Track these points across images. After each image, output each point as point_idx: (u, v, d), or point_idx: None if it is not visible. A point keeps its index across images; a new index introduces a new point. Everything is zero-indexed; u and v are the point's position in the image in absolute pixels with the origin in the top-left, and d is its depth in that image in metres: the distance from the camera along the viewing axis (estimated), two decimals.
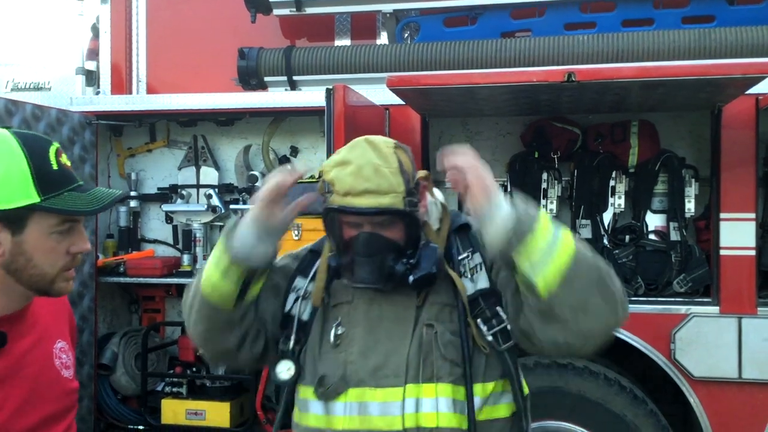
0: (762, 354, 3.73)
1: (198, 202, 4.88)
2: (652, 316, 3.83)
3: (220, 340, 1.89)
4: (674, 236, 4.08)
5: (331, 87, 3.57)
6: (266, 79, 4.53)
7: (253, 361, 1.97)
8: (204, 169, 4.90)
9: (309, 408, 1.86)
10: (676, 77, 3.14)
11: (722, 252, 3.83)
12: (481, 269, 1.89)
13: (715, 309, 3.80)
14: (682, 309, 3.82)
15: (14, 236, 1.52)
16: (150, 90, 5.05)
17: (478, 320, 1.84)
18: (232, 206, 4.77)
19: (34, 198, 1.50)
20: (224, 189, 4.89)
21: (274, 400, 4.60)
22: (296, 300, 1.94)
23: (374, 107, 4.11)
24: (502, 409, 1.87)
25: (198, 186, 4.89)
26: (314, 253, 2.01)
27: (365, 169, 1.78)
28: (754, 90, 3.55)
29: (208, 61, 4.94)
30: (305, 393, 1.87)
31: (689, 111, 4.09)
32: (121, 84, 5.05)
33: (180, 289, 5.02)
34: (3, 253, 1.52)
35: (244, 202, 4.68)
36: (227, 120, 4.87)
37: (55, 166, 1.55)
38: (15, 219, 1.50)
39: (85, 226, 1.66)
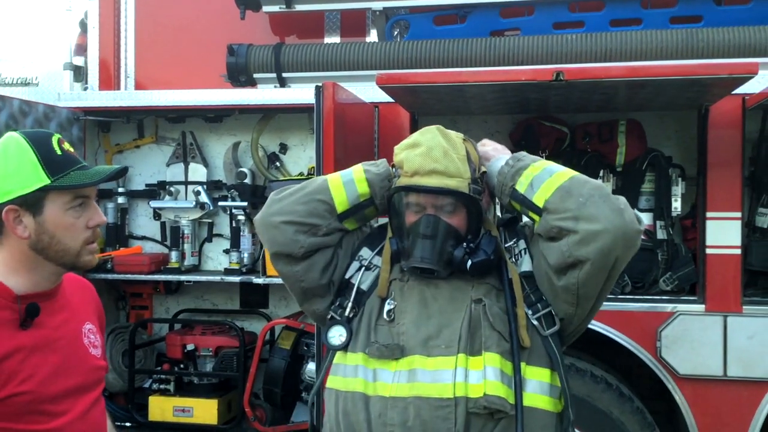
0: (747, 352, 3.76)
1: (186, 198, 4.86)
2: (639, 314, 3.86)
3: (300, 232, 1.95)
4: (661, 235, 4.10)
5: (320, 84, 3.57)
6: (255, 75, 4.52)
7: (302, 278, 2.01)
8: (192, 166, 4.88)
9: (357, 373, 1.89)
10: (663, 77, 3.16)
11: (708, 251, 3.87)
12: (525, 254, 1.98)
13: (701, 307, 3.83)
14: (668, 307, 3.85)
15: (36, 218, 1.74)
16: (138, 86, 5.03)
17: (524, 304, 1.90)
18: (220, 203, 4.75)
19: (45, 180, 1.73)
20: (213, 186, 4.88)
21: (261, 397, 4.60)
22: (359, 269, 2.03)
23: (364, 105, 4.12)
24: (549, 403, 1.88)
25: (186, 183, 4.88)
26: (383, 229, 2.11)
27: (435, 151, 1.90)
28: (740, 90, 3.57)
29: (197, 58, 4.92)
30: (354, 359, 1.92)
31: (676, 110, 4.11)
32: (109, 80, 5.03)
33: (168, 285, 5.02)
34: (29, 235, 1.74)
35: (233, 199, 4.66)
36: (216, 117, 4.85)
37: (59, 152, 1.78)
38: (33, 202, 1.73)
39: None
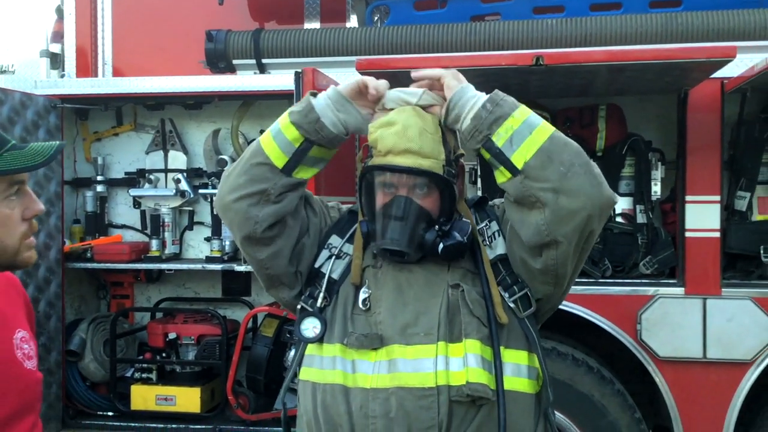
0: (726, 334, 3.80)
1: (166, 186, 4.83)
2: (619, 298, 3.88)
3: (252, 205, 1.83)
4: (641, 219, 4.12)
5: (299, 70, 3.55)
6: (235, 62, 4.49)
7: (267, 266, 1.91)
8: (172, 154, 4.85)
9: (336, 365, 1.83)
10: (643, 61, 3.17)
11: (687, 234, 3.89)
12: (498, 236, 1.93)
13: (681, 290, 3.86)
14: (649, 290, 3.87)
15: None
16: (116, 73, 4.99)
17: (500, 288, 1.86)
18: (201, 191, 4.73)
19: None
20: (193, 173, 4.85)
21: (244, 385, 4.59)
22: (329, 258, 1.95)
23: None
24: (527, 385, 1.86)
25: (166, 170, 4.85)
26: (353, 213, 2.03)
27: (410, 130, 1.81)
28: (719, 74, 3.59)
29: (175, 44, 4.89)
30: (331, 351, 1.85)
31: (656, 95, 4.12)
32: (87, 67, 4.98)
33: (149, 274, 4.99)
34: None
35: (214, 187, 4.64)
36: (195, 104, 4.82)
37: None
38: None
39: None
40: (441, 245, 1.83)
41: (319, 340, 1.87)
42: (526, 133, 1.71)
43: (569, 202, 1.69)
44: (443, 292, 1.84)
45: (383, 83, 1.90)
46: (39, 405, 1.66)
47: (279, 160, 1.84)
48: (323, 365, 1.86)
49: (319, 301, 1.90)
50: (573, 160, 1.70)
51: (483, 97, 1.77)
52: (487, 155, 1.78)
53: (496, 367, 1.78)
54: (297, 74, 3.56)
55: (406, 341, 1.80)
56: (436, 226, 1.85)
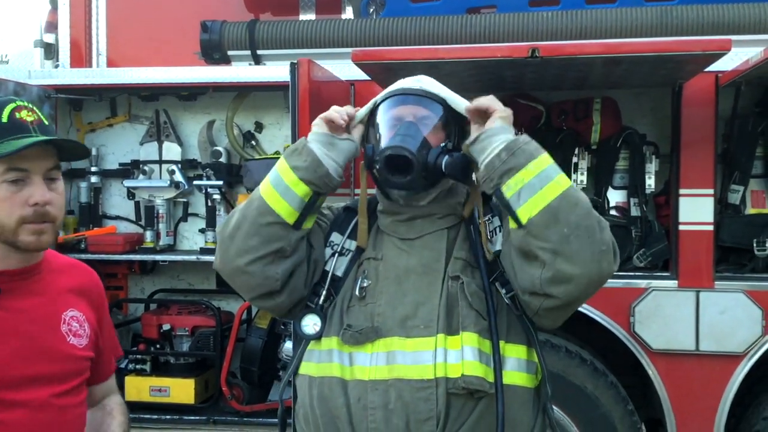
0: (718, 327, 3.83)
1: (160, 177, 4.81)
2: (613, 290, 3.88)
3: (268, 264, 1.82)
4: (635, 212, 4.13)
5: (295, 61, 3.54)
6: (230, 53, 4.47)
7: (291, 306, 1.90)
8: (166, 145, 4.83)
9: (332, 358, 1.83)
10: (638, 53, 3.17)
11: (681, 227, 3.91)
12: (499, 232, 1.90)
13: (674, 283, 3.88)
14: (642, 283, 3.89)
15: None
16: (110, 64, 4.96)
17: (497, 283, 1.85)
18: (195, 182, 4.72)
19: None
20: (187, 165, 4.84)
21: (238, 376, 4.60)
22: (332, 255, 1.95)
23: (339, 82, 4.09)
24: (526, 379, 1.86)
25: (160, 162, 4.84)
26: (349, 210, 2.02)
27: (425, 79, 1.92)
28: (713, 67, 3.60)
29: (169, 35, 4.86)
30: (327, 344, 1.85)
31: (651, 88, 4.13)
32: (81, 57, 4.95)
33: (143, 265, 4.98)
34: None
35: (208, 178, 4.63)
36: (190, 95, 4.80)
37: (4, 120, 1.61)
38: None
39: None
40: (446, 158, 1.82)
41: (318, 337, 1.87)
42: (537, 187, 1.68)
43: (567, 266, 1.68)
44: (442, 283, 1.83)
45: (347, 107, 1.95)
46: (81, 378, 1.80)
47: (291, 217, 1.82)
48: (320, 359, 1.87)
49: (322, 298, 1.90)
50: (579, 223, 1.67)
51: (505, 142, 1.73)
52: (497, 201, 1.78)
53: (495, 360, 1.76)
54: (293, 65, 3.55)
55: (405, 333, 1.79)
56: (442, 144, 1.85)
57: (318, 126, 1.91)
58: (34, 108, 1.68)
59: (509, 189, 1.70)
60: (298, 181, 1.81)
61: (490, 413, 1.77)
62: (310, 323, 1.87)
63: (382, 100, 1.93)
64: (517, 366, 1.83)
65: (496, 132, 1.76)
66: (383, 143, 1.86)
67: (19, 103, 1.66)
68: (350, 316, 1.85)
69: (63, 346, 1.73)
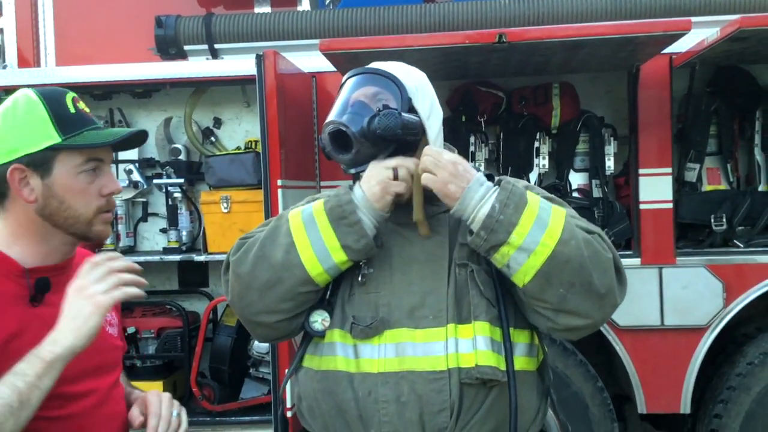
0: (682, 301, 3.94)
1: (117, 177, 4.70)
2: None
3: (294, 318, 1.81)
4: (596, 193, 4.23)
5: (261, 53, 3.50)
6: (186, 47, 4.41)
7: (299, 326, 1.85)
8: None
9: (336, 351, 1.79)
10: (604, 36, 3.25)
11: (642, 206, 4.02)
12: None
13: (637, 261, 3.98)
14: None
15: (44, 180, 1.60)
16: (60, 62, 4.81)
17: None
18: (155, 181, 4.61)
19: (55, 138, 1.60)
20: (145, 164, 4.72)
21: (208, 376, 4.53)
22: None
23: (302, 74, 4.07)
24: (532, 363, 1.85)
25: (117, 161, 4.71)
26: None
27: (385, 61, 1.90)
28: (667, 50, 3.71)
29: (121, 31, 4.75)
30: (330, 337, 1.80)
31: (607, 72, 4.22)
32: (29, 57, 4.80)
33: None
34: (36, 198, 1.60)
35: (168, 176, 4.53)
36: (144, 92, 4.68)
37: (72, 110, 1.64)
38: (42, 162, 1.60)
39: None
40: (376, 119, 1.74)
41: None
42: (523, 258, 1.66)
43: (570, 320, 1.71)
44: (449, 270, 1.80)
45: (396, 160, 1.81)
46: (119, 369, 1.84)
47: (324, 282, 1.79)
48: (324, 352, 1.82)
49: (329, 292, 1.83)
50: (573, 280, 1.66)
51: (481, 220, 1.68)
52: None
53: (507, 348, 1.75)
54: (258, 57, 3.51)
55: (414, 325, 1.76)
56: (380, 105, 1.78)
57: (376, 197, 1.76)
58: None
59: (498, 262, 1.71)
60: (340, 249, 1.75)
61: (501, 401, 1.76)
62: (319, 319, 1.81)
63: (342, 84, 1.92)
64: (523, 351, 1.83)
65: (462, 207, 1.71)
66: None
67: (72, 93, 1.68)
68: (353, 305, 1.81)
69: (105, 337, 1.75)
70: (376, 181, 1.76)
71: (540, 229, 1.67)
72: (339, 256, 1.75)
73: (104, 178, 1.67)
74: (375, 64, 1.92)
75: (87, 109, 1.69)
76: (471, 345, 1.73)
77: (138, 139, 1.75)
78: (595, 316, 1.72)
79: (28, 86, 4.46)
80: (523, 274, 1.68)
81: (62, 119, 1.61)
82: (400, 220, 1.84)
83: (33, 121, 1.60)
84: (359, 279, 1.81)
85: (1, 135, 1.62)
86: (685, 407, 3.96)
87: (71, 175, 1.62)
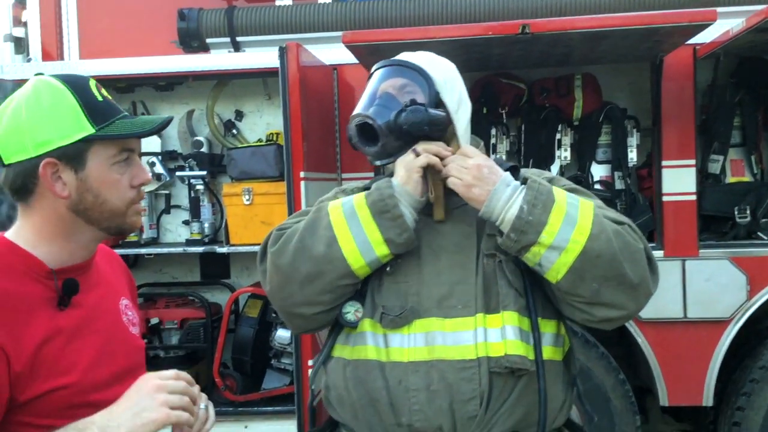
0: (704, 294, 3.93)
1: None
2: None
3: (332, 310, 1.82)
4: (619, 185, 4.22)
5: (284, 45, 3.52)
6: (208, 40, 4.43)
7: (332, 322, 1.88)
8: None
9: (366, 341, 1.80)
10: (627, 26, 3.23)
11: (665, 198, 4.01)
12: None
13: (660, 253, 3.96)
14: None
15: (77, 173, 1.51)
16: (83, 56, 4.85)
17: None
18: (178, 173, 4.65)
19: (89, 129, 1.50)
20: (168, 156, 4.75)
21: (230, 366, 4.57)
22: None
23: (323, 67, 4.08)
24: (558, 353, 1.86)
25: (140, 154, 4.75)
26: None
27: (414, 52, 1.91)
28: (691, 41, 3.69)
29: (144, 24, 4.77)
30: (361, 326, 1.81)
31: (630, 63, 4.19)
32: (52, 50, 4.84)
33: (125, 260, 4.87)
34: (69, 194, 1.51)
35: (191, 169, 4.57)
36: (167, 85, 4.72)
37: (99, 98, 1.55)
38: (75, 155, 1.50)
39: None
40: (403, 114, 1.76)
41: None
42: (555, 256, 1.68)
43: (605, 312, 1.72)
44: (477, 260, 1.81)
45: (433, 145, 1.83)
46: (143, 369, 1.71)
47: (365, 275, 1.81)
48: (355, 342, 1.84)
49: (360, 284, 1.84)
50: (606, 274, 1.68)
51: (510, 221, 1.70)
52: None
53: (535, 338, 1.77)
54: (281, 49, 3.53)
55: (443, 314, 1.77)
56: (408, 100, 1.79)
57: (404, 179, 1.78)
58: None
59: (529, 261, 1.73)
60: (382, 243, 1.76)
61: (529, 390, 1.77)
62: (352, 310, 1.82)
63: (369, 75, 1.92)
64: (550, 341, 1.84)
65: (490, 209, 1.73)
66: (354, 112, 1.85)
67: (93, 79, 1.58)
68: (382, 295, 1.82)
69: (130, 338, 1.70)
70: (402, 165, 1.80)
71: (570, 226, 1.68)
72: (381, 250, 1.76)
73: (135, 169, 1.59)
74: (403, 56, 1.91)
75: (110, 96, 1.61)
76: (500, 334, 1.74)
77: (165, 125, 1.68)
78: (629, 306, 1.73)
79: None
80: (555, 272, 1.70)
81: (92, 108, 1.51)
82: (429, 211, 1.84)
83: (62, 111, 1.49)
84: (387, 269, 1.82)
85: (28, 127, 1.49)
86: (707, 400, 3.95)
87: (105, 168, 1.53)
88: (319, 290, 1.78)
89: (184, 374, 1.46)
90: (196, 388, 1.47)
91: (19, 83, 4.29)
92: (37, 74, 1.58)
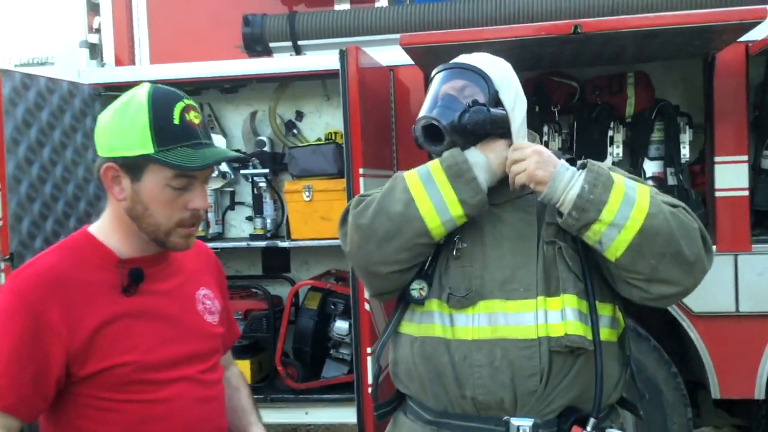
0: (757, 288, 3.95)
1: None
2: None
3: (407, 271, 1.92)
4: (671, 181, 4.25)
5: (344, 49, 3.68)
6: (271, 44, 4.63)
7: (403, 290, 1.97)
8: (212, 137, 4.96)
9: (434, 319, 1.93)
10: (677, 25, 3.30)
11: (717, 194, 4.03)
12: None
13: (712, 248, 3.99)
14: None
15: (133, 183, 1.64)
16: (153, 60, 5.11)
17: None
18: (241, 171, 4.85)
19: (149, 149, 1.60)
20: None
21: (291, 356, 4.77)
22: None
23: (381, 68, 4.24)
24: (614, 335, 1.96)
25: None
26: None
27: (478, 53, 2.01)
28: (744, 38, 3.73)
29: (210, 29, 5.01)
30: (429, 306, 1.94)
31: (682, 60, 4.24)
32: (124, 55, 5.11)
33: None
34: (125, 198, 1.65)
35: (254, 167, 4.78)
36: (232, 87, 4.94)
37: (176, 122, 1.63)
38: (134, 167, 1.63)
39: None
40: (466, 115, 1.87)
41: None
42: (615, 233, 1.77)
43: (662, 289, 1.81)
44: (538, 247, 1.91)
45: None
46: (219, 354, 1.89)
47: (440, 236, 1.91)
48: (422, 320, 1.96)
49: (427, 263, 1.95)
50: (664, 251, 1.76)
51: (572, 200, 1.79)
52: None
53: (593, 320, 1.86)
54: (341, 52, 3.69)
55: (506, 296, 1.87)
56: (470, 101, 1.89)
57: (497, 165, 1.91)
58: (196, 106, 1.71)
59: (590, 239, 1.82)
60: (457, 204, 1.86)
61: (587, 368, 1.87)
62: (417, 288, 1.93)
63: (430, 79, 2.04)
64: (606, 323, 1.93)
65: (552, 191, 1.82)
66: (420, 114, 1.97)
67: (186, 102, 1.67)
68: (448, 277, 1.94)
69: (202, 325, 1.81)
70: (493, 151, 1.92)
71: (628, 205, 1.78)
72: (456, 210, 1.86)
73: (194, 194, 1.67)
74: (461, 58, 2.04)
75: (196, 120, 1.67)
76: (560, 316, 1.85)
77: (238, 161, 1.81)
78: (686, 283, 1.82)
79: (127, 84, 4.78)
80: (615, 249, 1.78)
81: (161, 130, 1.61)
82: (493, 200, 1.94)
83: (134, 127, 1.61)
84: (454, 253, 1.95)
85: (108, 130, 1.66)
86: (759, 393, 3.97)
87: (159, 187, 1.63)
88: (396, 248, 1.89)
89: None
90: None
91: (95, 88, 4.63)
92: (148, 81, 1.75)
